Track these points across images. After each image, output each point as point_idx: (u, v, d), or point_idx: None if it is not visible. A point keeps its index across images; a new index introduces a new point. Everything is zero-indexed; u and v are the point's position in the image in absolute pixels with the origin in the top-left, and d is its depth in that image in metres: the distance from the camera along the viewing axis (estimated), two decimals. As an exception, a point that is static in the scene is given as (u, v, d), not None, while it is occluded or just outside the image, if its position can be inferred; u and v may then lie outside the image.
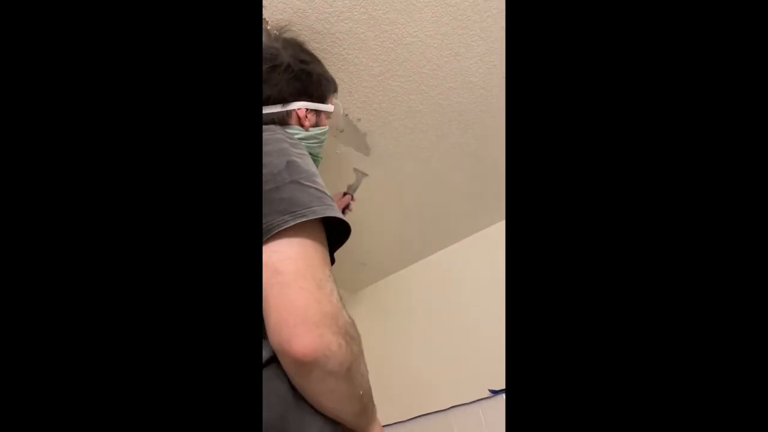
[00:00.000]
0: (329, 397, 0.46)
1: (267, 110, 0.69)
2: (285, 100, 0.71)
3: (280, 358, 0.45)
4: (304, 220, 0.47)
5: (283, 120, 0.70)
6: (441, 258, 1.73)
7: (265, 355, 0.45)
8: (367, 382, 0.52)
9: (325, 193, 0.53)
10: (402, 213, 1.48)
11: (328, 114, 0.78)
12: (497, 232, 1.60)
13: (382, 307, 1.82)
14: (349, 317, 0.49)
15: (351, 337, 0.47)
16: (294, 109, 0.71)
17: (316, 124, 0.75)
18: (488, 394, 1.38)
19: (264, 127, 0.60)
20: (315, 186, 0.52)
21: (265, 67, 0.70)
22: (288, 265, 0.45)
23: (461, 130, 1.18)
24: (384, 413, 0.57)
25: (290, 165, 0.52)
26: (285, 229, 0.46)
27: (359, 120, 1.09)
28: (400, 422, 1.55)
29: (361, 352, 0.50)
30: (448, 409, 1.46)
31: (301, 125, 0.72)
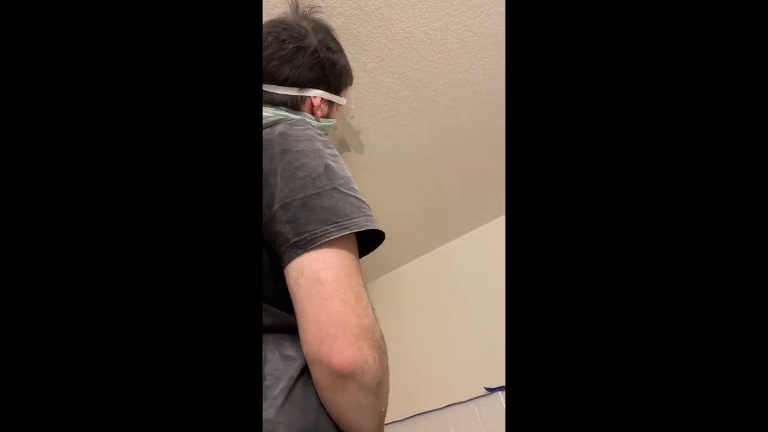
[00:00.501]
0: (356, 411, 0.46)
1: (282, 90, 0.67)
2: (303, 85, 0.68)
3: (314, 369, 0.45)
4: (348, 232, 0.47)
5: (295, 104, 0.68)
6: (436, 257, 1.73)
7: (303, 362, 0.46)
8: (387, 397, 0.51)
9: (363, 201, 0.53)
10: (397, 212, 1.47)
11: (338, 106, 0.76)
12: (493, 230, 1.60)
13: (378, 306, 1.81)
14: (380, 330, 0.49)
15: (383, 351, 0.48)
16: (309, 96, 0.69)
17: (327, 116, 0.73)
18: (484, 392, 1.38)
19: (290, 119, 0.57)
20: (354, 194, 0.52)
21: (290, 46, 0.67)
22: (329, 275, 0.45)
23: (456, 127, 1.18)
24: (380, 412, 0.58)
25: (328, 169, 0.51)
26: (328, 241, 0.46)
27: (353, 117, 1.08)
28: (396, 421, 1.55)
29: (388, 366, 0.50)
30: (445, 407, 1.46)
31: (313, 114, 0.70)
